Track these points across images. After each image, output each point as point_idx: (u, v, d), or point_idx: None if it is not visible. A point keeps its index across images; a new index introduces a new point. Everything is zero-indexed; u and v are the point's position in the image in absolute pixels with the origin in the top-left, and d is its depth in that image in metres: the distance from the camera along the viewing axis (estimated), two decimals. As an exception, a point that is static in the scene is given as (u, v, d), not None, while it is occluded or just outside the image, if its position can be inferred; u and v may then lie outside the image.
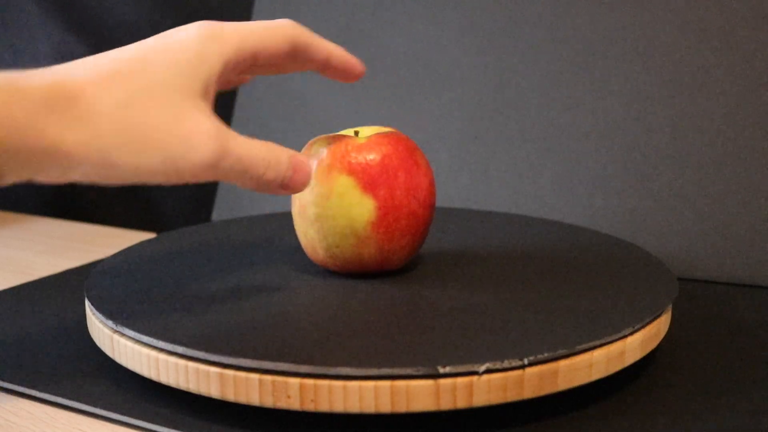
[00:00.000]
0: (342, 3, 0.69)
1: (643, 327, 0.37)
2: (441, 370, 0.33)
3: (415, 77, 0.65)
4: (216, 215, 0.72)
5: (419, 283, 0.43)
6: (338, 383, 0.33)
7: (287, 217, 0.58)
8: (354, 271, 0.44)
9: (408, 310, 0.39)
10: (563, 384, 0.34)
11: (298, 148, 0.68)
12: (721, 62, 0.56)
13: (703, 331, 0.45)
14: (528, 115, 0.61)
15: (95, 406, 0.37)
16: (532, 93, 0.61)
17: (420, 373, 0.33)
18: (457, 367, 0.33)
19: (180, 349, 0.35)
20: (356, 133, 0.45)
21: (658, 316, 0.39)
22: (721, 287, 0.52)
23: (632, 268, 0.45)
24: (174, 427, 0.35)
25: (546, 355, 0.34)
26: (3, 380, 0.40)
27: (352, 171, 0.42)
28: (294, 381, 0.33)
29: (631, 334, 0.37)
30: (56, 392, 0.38)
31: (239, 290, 0.43)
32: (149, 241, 0.53)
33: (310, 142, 0.44)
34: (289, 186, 0.38)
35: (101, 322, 0.40)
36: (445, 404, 0.33)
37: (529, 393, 0.34)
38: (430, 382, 0.33)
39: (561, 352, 0.34)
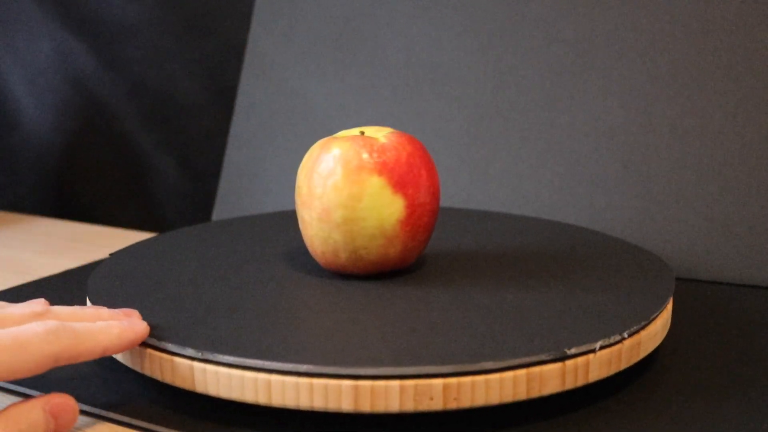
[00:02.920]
0: (342, 3, 0.69)
1: (666, 305, 0.41)
2: (568, 352, 0.34)
3: (414, 77, 0.65)
4: (216, 215, 0.72)
5: (434, 281, 0.44)
6: (480, 378, 0.33)
7: (287, 216, 0.58)
8: (372, 272, 0.44)
9: (463, 304, 0.40)
10: (642, 353, 0.38)
11: (299, 148, 0.68)
12: (721, 62, 0.56)
13: (703, 331, 0.45)
14: (528, 115, 0.61)
15: (96, 406, 0.37)
16: (532, 93, 0.61)
17: (551, 357, 0.34)
18: (579, 347, 0.35)
19: (303, 368, 0.33)
20: (362, 133, 0.45)
21: (668, 300, 0.41)
22: (721, 287, 0.52)
23: (634, 266, 0.45)
24: (174, 427, 0.35)
25: (635, 327, 0.37)
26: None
27: (383, 171, 0.42)
28: (437, 382, 0.33)
29: (660, 312, 0.40)
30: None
31: (261, 292, 0.43)
32: (150, 240, 0.53)
33: (323, 141, 0.44)
34: None
35: (184, 355, 0.36)
36: (569, 384, 0.35)
37: (624, 364, 0.37)
38: (558, 365, 0.34)
39: (642, 323, 0.38)
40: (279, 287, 0.43)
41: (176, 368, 0.36)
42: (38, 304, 0.35)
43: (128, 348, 0.36)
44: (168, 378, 0.36)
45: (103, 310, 0.37)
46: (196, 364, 0.35)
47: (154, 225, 0.83)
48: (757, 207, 0.53)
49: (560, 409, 0.36)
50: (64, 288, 0.54)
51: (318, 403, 0.34)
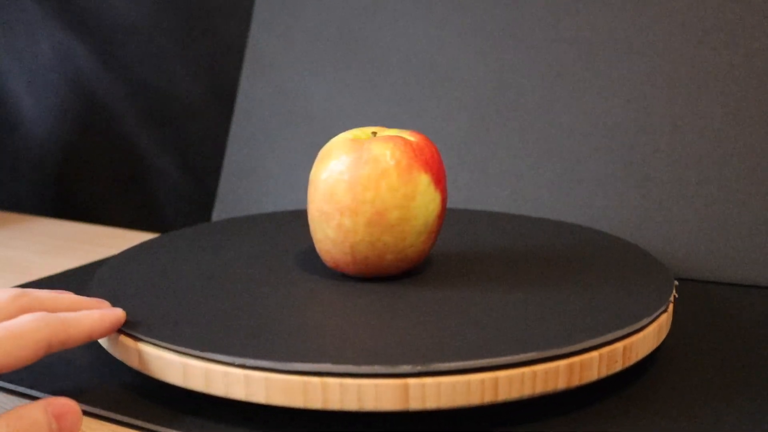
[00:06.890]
0: (343, 3, 0.69)
1: (667, 305, 0.42)
2: (656, 312, 0.39)
3: (415, 77, 0.65)
4: (216, 215, 0.72)
5: (457, 279, 0.44)
6: (619, 345, 0.36)
7: (287, 216, 0.58)
8: (406, 270, 0.44)
9: (506, 296, 0.41)
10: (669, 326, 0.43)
11: (299, 148, 0.68)
12: (721, 62, 0.56)
13: (703, 331, 0.45)
14: (528, 115, 0.61)
15: (95, 406, 0.37)
16: (532, 93, 0.61)
17: (648, 322, 0.38)
18: (660, 309, 0.39)
19: (484, 362, 0.33)
20: (374, 133, 0.44)
21: (667, 305, 0.41)
22: (721, 287, 0.52)
23: (632, 267, 0.45)
24: (174, 427, 0.35)
25: (668, 302, 0.41)
26: (3, 380, 0.40)
27: (428, 168, 0.42)
28: (595, 354, 0.35)
29: (665, 311, 0.41)
30: (56, 392, 0.38)
31: (283, 294, 0.43)
32: (151, 241, 0.53)
33: (349, 144, 0.42)
34: None
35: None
36: (656, 344, 0.39)
37: (666, 332, 0.41)
38: (650, 328, 0.38)
39: (671, 298, 0.41)
40: (326, 290, 0.42)
41: (382, 392, 0.33)
42: (14, 290, 0.37)
43: (111, 332, 0.37)
44: (369, 405, 0.33)
45: (77, 297, 0.39)
46: (411, 381, 0.33)
47: (154, 225, 0.83)
48: (757, 207, 0.53)
49: (560, 409, 0.36)
50: (64, 288, 0.54)
51: (502, 395, 0.34)
